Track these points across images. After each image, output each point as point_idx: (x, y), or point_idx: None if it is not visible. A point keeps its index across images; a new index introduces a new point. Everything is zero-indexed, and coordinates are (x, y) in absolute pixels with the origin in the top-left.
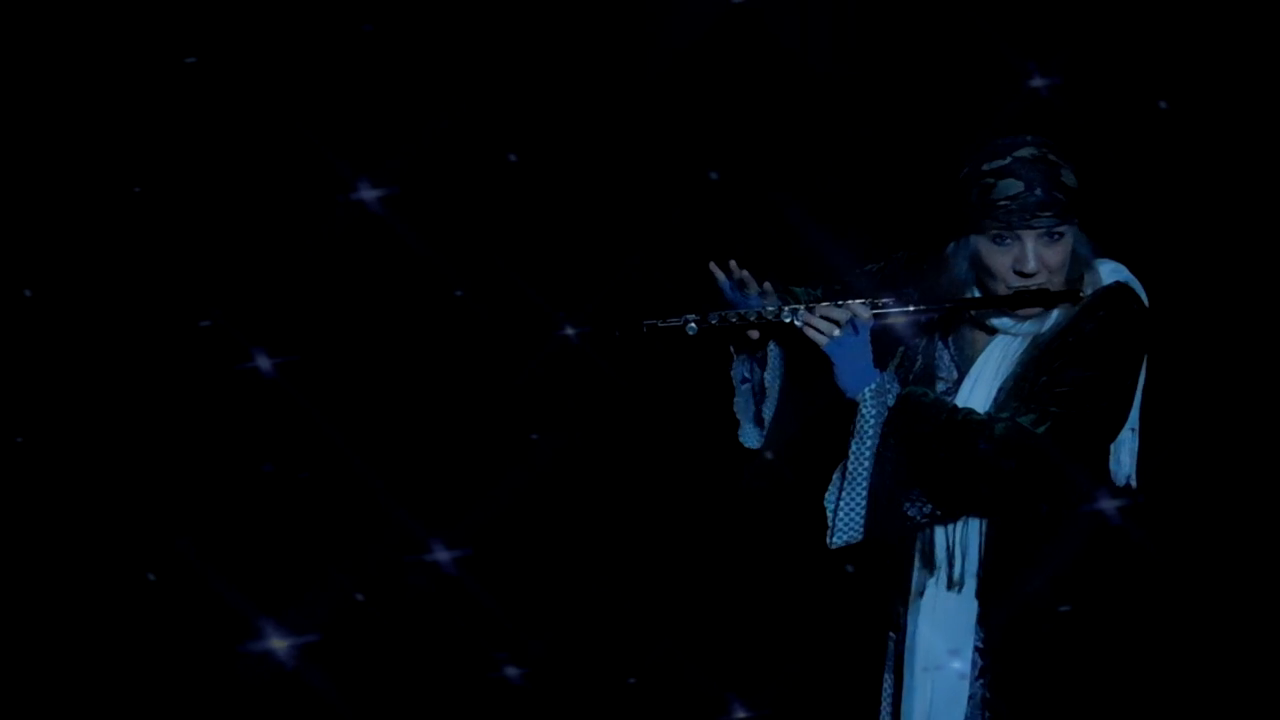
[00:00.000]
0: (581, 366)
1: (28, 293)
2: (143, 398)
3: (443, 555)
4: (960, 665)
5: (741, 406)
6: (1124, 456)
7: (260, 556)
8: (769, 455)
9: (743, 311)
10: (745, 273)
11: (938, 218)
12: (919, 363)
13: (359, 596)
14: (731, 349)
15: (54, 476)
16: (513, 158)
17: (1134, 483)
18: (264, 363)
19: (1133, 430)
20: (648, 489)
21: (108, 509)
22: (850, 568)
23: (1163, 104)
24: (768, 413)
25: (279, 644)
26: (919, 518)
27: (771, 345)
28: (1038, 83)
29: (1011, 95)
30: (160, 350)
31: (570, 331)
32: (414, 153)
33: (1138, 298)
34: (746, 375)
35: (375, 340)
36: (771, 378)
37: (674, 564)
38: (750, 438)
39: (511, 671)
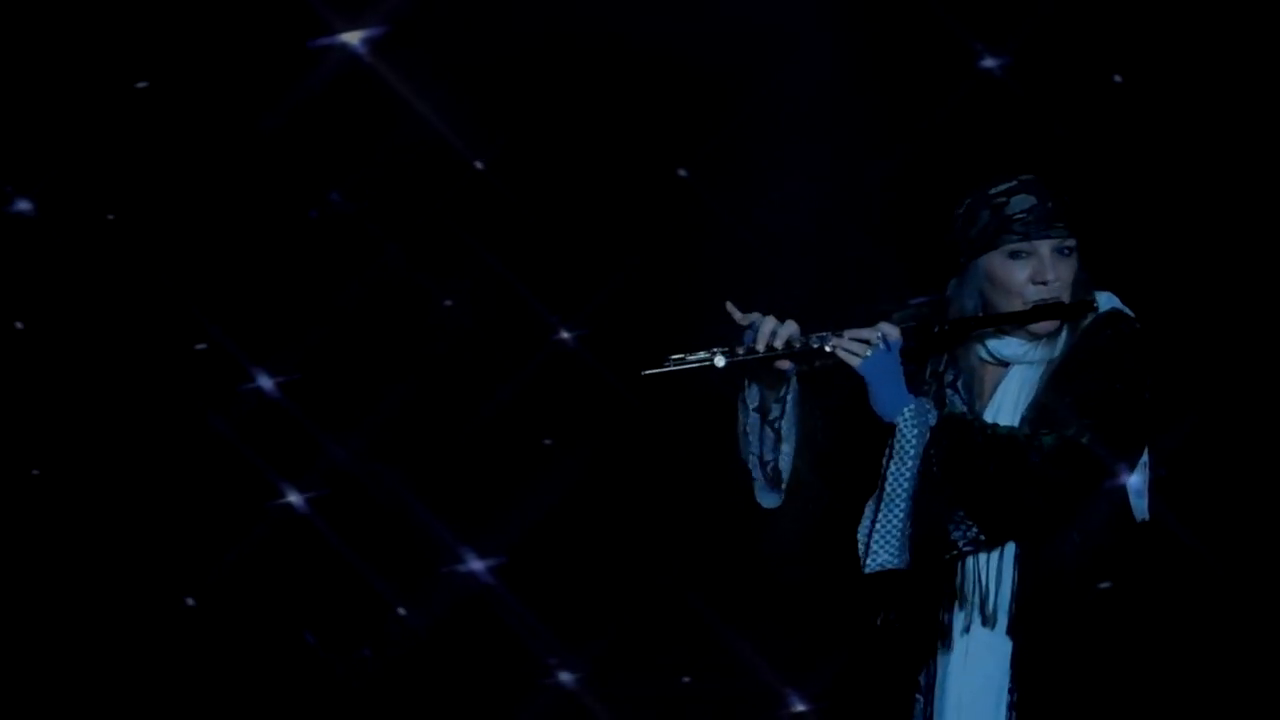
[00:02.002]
0: (581, 369)
1: (19, 325)
2: (146, 423)
3: (477, 565)
4: (994, 704)
5: (754, 464)
6: (1134, 495)
7: (295, 577)
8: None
9: (771, 341)
10: (767, 316)
11: (933, 264)
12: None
13: (401, 610)
14: (744, 395)
15: (71, 508)
16: (479, 165)
17: (1147, 517)
18: (266, 383)
19: (1144, 465)
20: (663, 488)
21: (130, 539)
22: (882, 607)
23: (1117, 78)
24: (784, 464)
25: (329, 660)
26: (963, 543)
27: (789, 392)
28: (989, 63)
29: (963, 78)
30: (160, 375)
31: (566, 335)
32: (389, 163)
33: (1137, 322)
34: (757, 443)
35: (370, 355)
36: (787, 425)
37: (702, 561)
38: (768, 498)
39: (565, 676)
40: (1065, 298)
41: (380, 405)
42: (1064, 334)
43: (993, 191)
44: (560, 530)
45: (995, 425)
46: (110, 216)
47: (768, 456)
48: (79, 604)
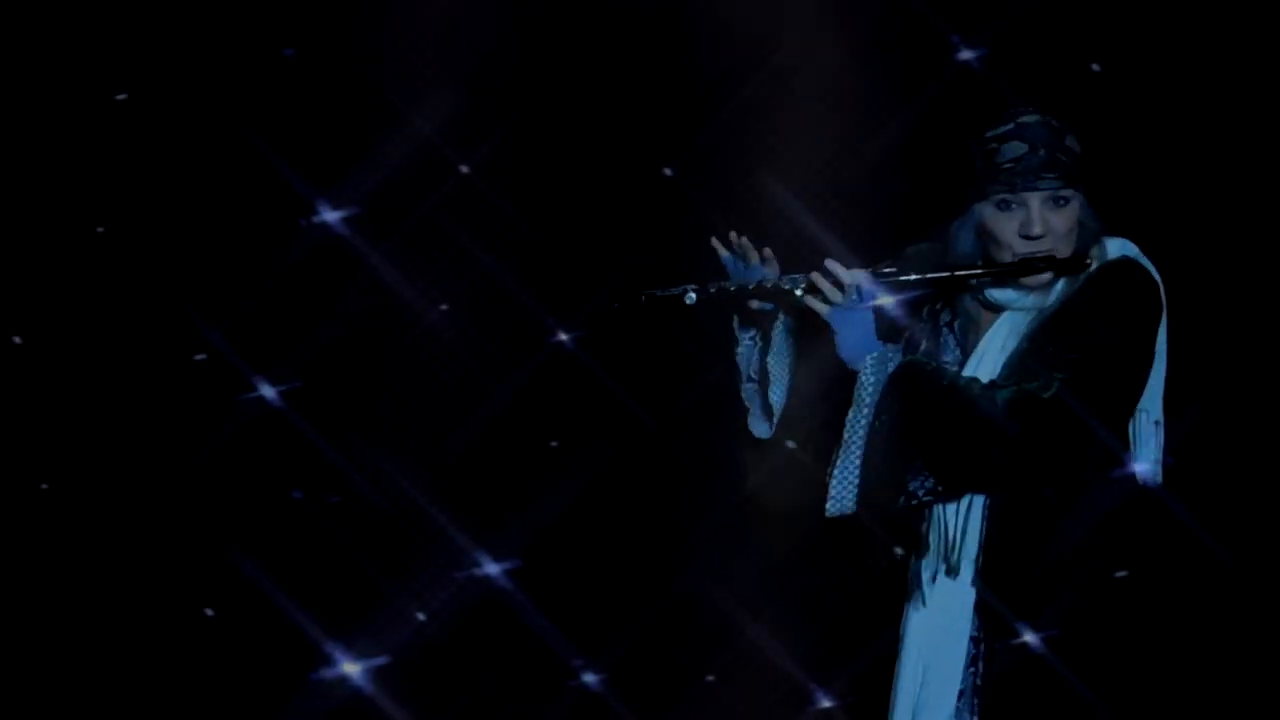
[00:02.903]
0: (580, 371)
1: (17, 339)
2: (152, 434)
3: (492, 569)
4: (952, 654)
5: (749, 393)
6: (1148, 453)
7: (310, 586)
8: (790, 444)
9: (743, 281)
10: (745, 239)
11: (942, 201)
12: (923, 347)
13: (420, 616)
14: (735, 328)
15: (83, 522)
16: (464, 169)
17: (1160, 479)
18: (268, 391)
19: (1157, 423)
20: (675, 486)
21: (143, 551)
22: (900, 550)
23: (1095, 67)
24: (775, 398)
25: (351, 668)
26: (921, 493)
27: (777, 328)
28: (966, 55)
29: (941, 70)
30: (161, 386)
31: (564, 337)
32: (376, 169)
33: (1147, 271)
34: (752, 371)
35: (369, 360)
36: (776, 361)
37: (719, 558)
38: (760, 427)
39: (588, 678)
40: (1061, 249)
41: (382, 411)
42: (1060, 282)
43: (988, 134)
44: (575, 531)
45: (957, 375)
46: (100, 229)
47: (754, 376)
48: (95, 617)
